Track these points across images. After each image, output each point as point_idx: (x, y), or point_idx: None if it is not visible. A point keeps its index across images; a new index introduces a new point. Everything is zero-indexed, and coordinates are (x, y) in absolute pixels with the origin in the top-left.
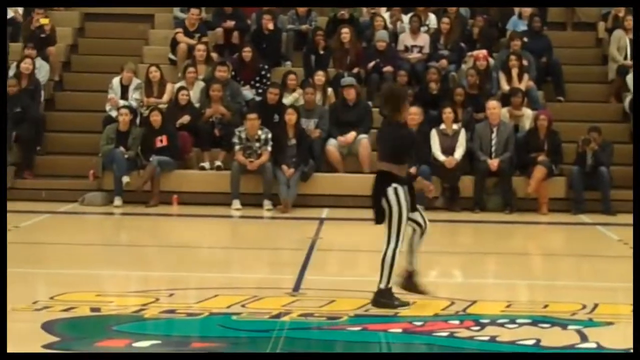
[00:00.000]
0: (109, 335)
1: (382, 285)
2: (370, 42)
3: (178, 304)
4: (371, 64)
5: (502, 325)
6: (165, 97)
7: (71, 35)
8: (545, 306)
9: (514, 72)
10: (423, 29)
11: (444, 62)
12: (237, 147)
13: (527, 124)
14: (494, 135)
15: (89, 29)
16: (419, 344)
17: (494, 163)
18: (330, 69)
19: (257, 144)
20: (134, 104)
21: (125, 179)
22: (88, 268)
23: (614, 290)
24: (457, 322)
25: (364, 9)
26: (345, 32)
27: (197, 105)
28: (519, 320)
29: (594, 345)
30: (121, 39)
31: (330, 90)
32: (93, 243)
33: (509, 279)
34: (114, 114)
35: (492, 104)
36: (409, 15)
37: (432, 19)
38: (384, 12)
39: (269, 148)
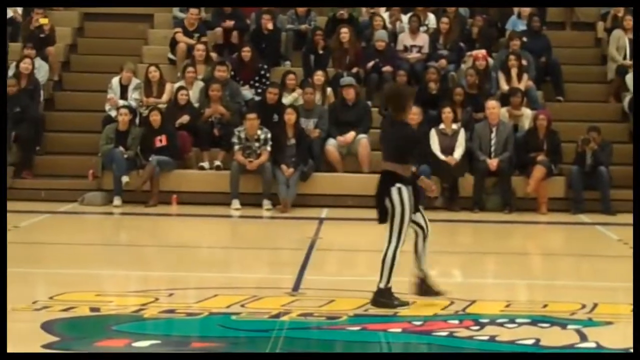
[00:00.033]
0: (109, 335)
1: (382, 285)
2: (369, 42)
3: (177, 304)
4: (370, 63)
5: (501, 324)
6: (165, 97)
7: (70, 35)
8: (545, 306)
9: (513, 72)
10: (422, 28)
11: (443, 62)
12: (236, 147)
13: (526, 123)
14: (493, 135)
15: (88, 28)
16: (418, 343)
17: (493, 163)
18: (330, 69)
19: (257, 144)
20: (133, 103)
21: (125, 179)
22: (87, 268)
23: (613, 290)
24: (456, 321)
25: (363, 9)
26: (345, 32)
27: (196, 105)
28: (518, 320)
29: (593, 345)
30: (120, 39)
31: (329, 90)
32: (92, 243)
33: (509, 278)
34: (113, 113)
35: (492, 104)
36: (408, 15)
37: (431, 18)
38: (383, 12)
39: (269, 148)
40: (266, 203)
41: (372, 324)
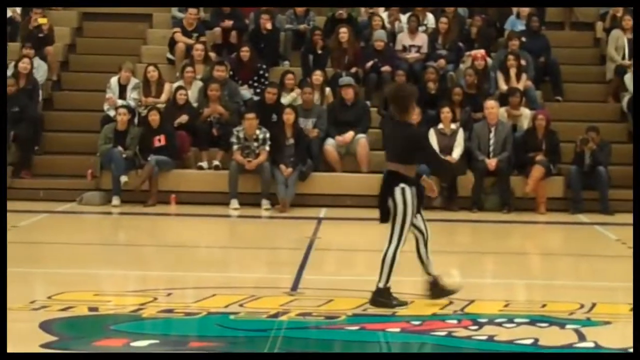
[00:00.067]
0: (107, 334)
1: (381, 285)
2: (368, 41)
3: (176, 304)
4: (369, 63)
5: (500, 324)
6: (163, 96)
7: (69, 34)
8: (543, 305)
9: (512, 71)
10: (421, 28)
11: (442, 61)
12: (235, 147)
13: (525, 123)
14: (492, 134)
15: (87, 28)
16: (416, 343)
17: (492, 163)
18: (328, 69)
19: (255, 144)
20: (132, 103)
21: (123, 179)
22: (86, 267)
23: (611, 290)
24: (455, 321)
25: (362, 9)
26: (344, 32)
27: (195, 104)
28: (517, 320)
29: (591, 345)
30: (119, 39)
31: (328, 89)
32: (91, 242)
33: (507, 278)
34: (112, 113)
35: (490, 104)
36: (407, 15)
37: (430, 18)
38: (382, 12)
39: (267, 148)
40: (265, 203)
41: (371, 323)
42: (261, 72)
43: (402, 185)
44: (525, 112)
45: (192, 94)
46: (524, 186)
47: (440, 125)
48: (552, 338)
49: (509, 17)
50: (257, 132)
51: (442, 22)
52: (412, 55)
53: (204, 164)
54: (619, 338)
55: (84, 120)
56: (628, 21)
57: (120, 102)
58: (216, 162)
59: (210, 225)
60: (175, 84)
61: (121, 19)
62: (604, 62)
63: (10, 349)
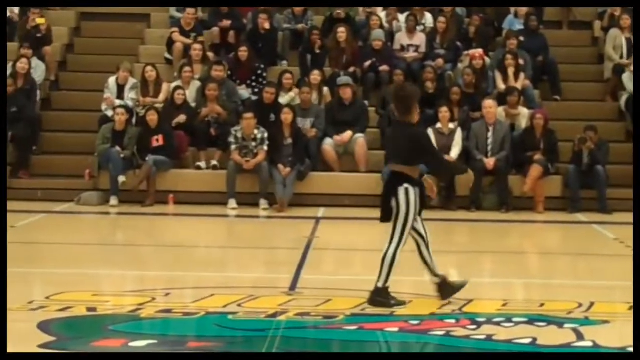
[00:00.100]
0: (105, 335)
1: (380, 284)
2: (366, 41)
3: (174, 304)
4: (367, 63)
5: (498, 324)
6: (161, 96)
7: (67, 34)
8: (542, 305)
9: (510, 71)
10: (419, 28)
11: (440, 61)
12: (233, 147)
13: (523, 123)
14: (490, 134)
15: (85, 28)
16: (415, 343)
17: (490, 162)
18: (327, 68)
19: (253, 144)
20: (130, 103)
21: (121, 179)
22: (84, 268)
23: (610, 289)
24: (453, 321)
25: (360, 8)
26: (342, 32)
27: (193, 104)
28: (515, 319)
29: (590, 344)
30: (117, 39)
31: (326, 89)
32: (89, 243)
33: (505, 277)
34: (110, 113)
35: (489, 103)
36: (405, 14)
37: (428, 18)
38: (380, 12)
39: (265, 147)
40: (263, 203)
41: (369, 323)
42: (259, 71)
43: (406, 185)
44: (524, 112)
45: (190, 93)
46: (522, 185)
47: (439, 125)
48: (551, 337)
49: (507, 17)
50: (255, 131)
51: (440, 21)
52: (410, 54)
53: (202, 164)
54: (617, 337)
55: (81, 120)
56: (626, 20)
57: (118, 102)
58: (214, 162)
59: (209, 225)
60: (173, 84)
61: (119, 19)
62: (602, 61)
63: (9, 349)
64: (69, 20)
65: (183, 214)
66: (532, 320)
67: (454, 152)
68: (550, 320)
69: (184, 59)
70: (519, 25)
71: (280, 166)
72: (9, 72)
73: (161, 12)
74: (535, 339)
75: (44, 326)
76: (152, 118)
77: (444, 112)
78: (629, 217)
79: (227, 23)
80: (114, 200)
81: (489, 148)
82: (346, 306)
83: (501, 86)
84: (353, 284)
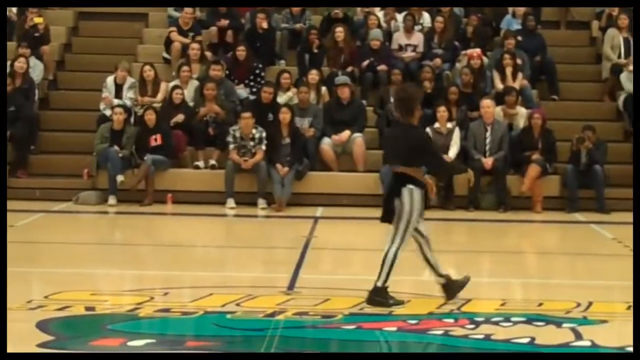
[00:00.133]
0: (104, 334)
1: (379, 283)
2: (364, 41)
3: (173, 303)
4: (365, 62)
5: (496, 323)
6: (160, 96)
7: (65, 34)
8: (540, 304)
9: (508, 70)
10: (417, 27)
11: (438, 60)
12: (231, 146)
13: (521, 122)
14: (488, 133)
15: (83, 28)
16: (413, 342)
17: (488, 162)
18: (324, 68)
19: (252, 143)
20: (128, 103)
21: (120, 178)
22: (82, 267)
23: (608, 289)
24: (451, 320)
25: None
26: (339, 31)
27: (191, 104)
28: (513, 319)
29: (588, 344)
30: (115, 38)
31: (324, 89)
32: (87, 242)
33: (504, 277)
34: (108, 113)
35: (486, 103)
36: (403, 14)
37: (426, 17)
38: (378, 11)
39: (263, 147)
40: (261, 202)
41: (368, 322)
42: (257, 71)
43: (410, 186)
44: (521, 111)
45: (188, 93)
46: (520, 185)
47: (437, 125)
48: (549, 337)
49: (505, 16)
50: (254, 131)
51: (438, 21)
52: (408, 54)
53: (200, 163)
54: (616, 337)
55: (80, 119)
56: (624, 20)
57: (116, 101)
58: (212, 162)
59: (207, 225)
60: (172, 83)
61: (117, 18)
62: (600, 61)
63: (8, 348)
64: (66, 19)
65: (181, 213)
66: (530, 319)
67: (452, 152)
68: (549, 319)
69: (182, 58)
70: (516, 25)
71: (279, 166)
72: (7, 71)
73: (159, 11)
74: (533, 339)
75: (42, 325)
76: (150, 117)
77: (441, 111)
78: (627, 216)
79: (225, 22)
80: (112, 200)
81: (487, 148)
82: (344, 305)
83: (499, 86)
84: (351, 283)
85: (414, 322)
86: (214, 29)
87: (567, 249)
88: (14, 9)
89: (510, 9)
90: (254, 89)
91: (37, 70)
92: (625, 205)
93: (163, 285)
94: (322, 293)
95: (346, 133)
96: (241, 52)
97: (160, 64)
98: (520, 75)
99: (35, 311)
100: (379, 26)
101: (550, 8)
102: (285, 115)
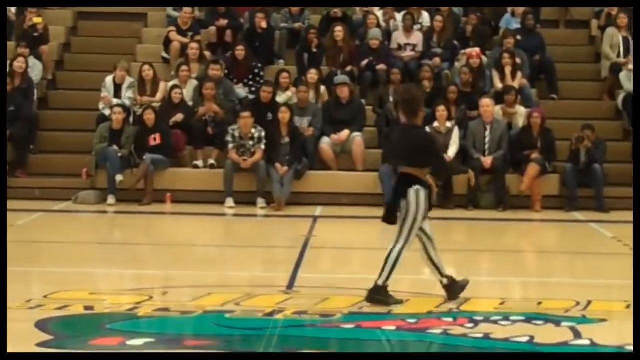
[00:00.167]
0: (103, 333)
1: (380, 282)
2: (363, 40)
3: (172, 302)
4: (364, 62)
5: (495, 322)
6: (159, 95)
7: (64, 34)
8: (539, 303)
9: (508, 70)
10: (416, 27)
11: (437, 60)
12: (230, 146)
13: (520, 121)
14: (487, 133)
15: (82, 27)
16: (412, 341)
17: (487, 161)
18: (324, 67)
19: (251, 142)
20: (127, 102)
21: (119, 178)
22: (82, 266)
23: (607, 287)
24: (450, 319)
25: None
26: (339, 31)
27: (190, 103)
28: (512, 318)
29: (587, 342)
30: (114, 38)
31: (323, 88)
32: (87, 241)
33: (503, 276)
34: (107, 112)
35: (486, 102)
36: (402, 13)
37: (425, 17)
38: (377, 11)
39: (263, 146)
40: (260, 201)
41: (367, 321)
42: (256, 70)
43: (416, 187)
44: (521, 110)
45: (187, 92)
46: (519, 184)
47: (436, 124)
48: (548, 336)
49: (504, 16)
50: (253, 130)
51: (437, 20)
52: (408, 53)
53: (200, 163)
54: (615, 335)
55: (79, 119)
56: (623, 19)
57: (115, 101)
58: (211, 161)
59: (206, 224)
60: (171, 83)
61: (116, 18)
62: (599, 60)
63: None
64: (65, 19)
65: (180, 212)
66: (529, 318)
67: (451, 151)
68: (548, 318)
69: (181, 58)
70: (515, 24)
71: (278, 165)
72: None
73: (158, 11)
74: (532, 338)
75: (41, 325)
76: (149, 117)
77: (441, 111)
78: (626, 215)
79: (224, 22)
80: (111, 199)
81: (487, 147)
82: (344, 305)
83: (498, 85)
84: (350, 282)
85: (413, 321)
86: (213, 28)
87: (567, 248)
88: (13, 9)
89: (509, 8)
90: (253, 89)
91: (36, 70)
92: (624, 205)
93: (162, 284)
94: (321, 292)
95: (345, 132)
96: (240, 51)
97: (159, 64)
98: (519, 74)
99: (34, 310)
100: (378, 25)
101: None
102: (284, 115)
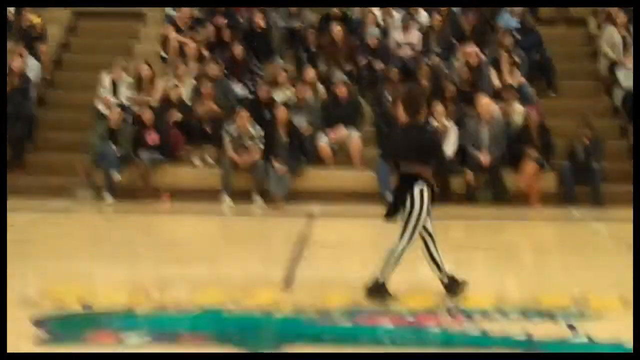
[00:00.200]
0: (99, 330)
1: (380, 279)
2: (362, 39)
3: (169, 299)
4: (363, 60)
5: (493, 319)
6: (157, 94)
7: (62, 33)
8: (536, 300)
9: (505, 68)
10: (414, 25)
11: (435, 58)
12: (228, 144)
13: (518, 119)
14: (485, 130)
15: (80, 27)
16: (410, 338)
17: (485, 158)
18: (322, 66)
19: (248, 141)
20: (125, 101)
21: (116, 176)
22: (78, 264)
23: (604, 284)
24: (447, 316)
25: None
26: (337, 29)
27: (188, 102)
28: (510, 314)
29: (584, 339)
30: (112, 37)
31: (321, 87)
32: (83, 239)
33: (500, 272)
34: (105, 111)
35: (484, 100)
36: (401, 14)
37: (423, 15)
38: (377, 10)
39: (260, 144)
40: (258, 199)
41: (364, 319)
42: (254, 69)
43: (421, 185)
44: (519, 108)
45: (186, 91)
46: (517, 181)
47: (434, 122)
48: (545, 332)
49: (503, 14)
50: (250, 128)
51: (436, 19)
52: (406, 52)
53: (197, 161)
54: (612, 332)
55: (77, 118)
56: (621, 18)
57: (113, 100)
58: (209, 159)
59: (203, 222)
60: (169, 82)
61: (114, 17)
62: (597, 59)
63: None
64: (64, 19)
65: (178, 210)
66: (526, 315)
67: (449, 149)
68: (545, 315)
69: (179, 57)
70: (514, 23)
71: (275, 163)
72: None
73: (156, 10)
74: (530, 334)
75: (38, 322)
76: (147, 116)
77: (439, 108)
78: (623, 213)
79: (222, 21)
80: (108, 198)
81: (484, 144)
82: (341, 302)
83: (496, 83)
84: (348, 279)
85: (410, 317)
86: (211, 27)
87: (564, 245)
88: (12, 9)
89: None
90: (251, 87)
91: (34, 70)
92: (622, 202)
93: (159, 281)
94: (319, 289)
95: (343, 131)
96: (238, 50)
97: (157, 63)
98: (517, 72)
99: (30, 308)
100: (377, 24)
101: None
102: (282, 113)
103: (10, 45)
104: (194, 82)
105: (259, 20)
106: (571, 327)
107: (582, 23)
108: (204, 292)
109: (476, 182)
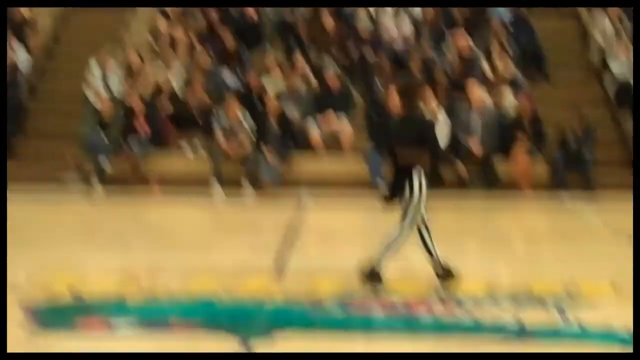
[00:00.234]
0: (90, 318)
1: (375, 267)
2: (354, 30)
3: (160, 287)
4: (354, 51)
5: (484, 306)
6: (147, 84)
7: (53, 24)
8: (528, 287)
9: (497, 58)
10: (407, 17)
11: (427, 49)
12: (218, 133)
13: (510, 109)
14: (476, 119)
15: (71, 18)
16: (402, 326)
17: (476, 147)
18: (313, 56)
19: (239, 130)
20: (115, 92)
21: (107, 165)
22: (69, 252)
23: (595, 271)
24: (439, 303)
25: None
26: (329, 20)
27: (178, 92)
28: (501, 302)
29: (575, 326)
30: (103, 28)
31: (312, 76)
32: (74, 227)
33: (491, 259)
34: (95, 102)
35: (475, 90)
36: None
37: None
38: None
39: (251, 132)
40: (249, 187)
41: (356, 306)
42: (245, 59)
43: (420, 174)
44: (510, 98)
45: (177, 82)
46: (508, 169)
47: (425, 112)
48: (536, 319)
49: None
50: (240, 117)
51: (428, 10)
52: (398, 42)
53: (188, 150)
54: (603, 319)
55: (67, 108)
56: (613, 9)
57: (103, 90)
58: (200, 148)
59: (194, 210)
60: (159, 73)
61: (105, 8)
62: (589, 49)
63: None
64: (54, 10)
65: (169, 199)
66: (517, 301)
67: (441, 140)
68: (536, 302)
69: (170, 48)
70: (506, 13)
71: (266, 151)
72: None
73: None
74: (521, 321)
75: (28, 311)
76: (138, 106)
77: (428, 96)
78: (614, 201)
79: (213, 13)
80: (98, 186)
81: (476, 133)
82: (333, 290)
83: (488, 73)
84: (339, 267)
85: (402, 305)
86: (202, 19)
87: (555, 232)
88: None
89: None
90: (242, 78)
91: (25, 61)
92: (612, 191)
93: (150, 269)
94: (311, 278)
95: (332, 116)
96: (229, 41)
97: (148, 54)
98: (509, 62)
99: (20, 296)
100: (369, 15)
101: None
102: (273, 103)
103: None
104: (185, 72)
105: (252, 13)
106: (562, 313)
107: (574, 13)
108: (195, 279)
109: (468, 170)
